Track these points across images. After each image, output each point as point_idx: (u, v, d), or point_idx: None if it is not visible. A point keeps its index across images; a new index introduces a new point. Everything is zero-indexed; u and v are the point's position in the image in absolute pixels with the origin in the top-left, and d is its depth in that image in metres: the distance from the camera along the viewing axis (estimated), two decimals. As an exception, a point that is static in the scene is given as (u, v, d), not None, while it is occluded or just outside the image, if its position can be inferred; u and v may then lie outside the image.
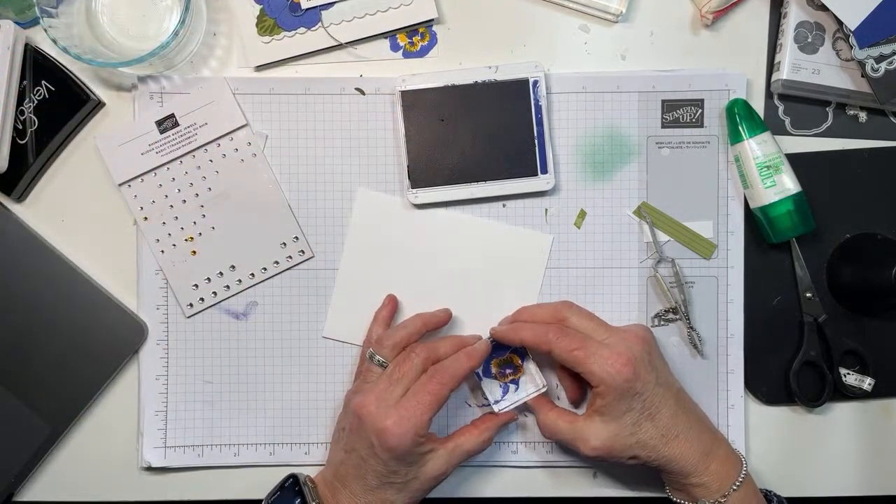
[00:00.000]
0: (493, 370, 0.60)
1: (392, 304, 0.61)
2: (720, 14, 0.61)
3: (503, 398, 0.59)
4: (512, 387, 0.60)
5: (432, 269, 0.62)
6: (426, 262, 0.62)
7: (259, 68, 0.62)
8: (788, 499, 0.58)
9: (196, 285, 0.62)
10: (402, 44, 0.62)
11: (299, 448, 0.62)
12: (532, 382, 0.60)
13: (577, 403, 0.61)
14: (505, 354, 0.60)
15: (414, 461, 0.54)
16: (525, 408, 0.61)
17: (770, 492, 0.58)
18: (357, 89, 0.62)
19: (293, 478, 0.56)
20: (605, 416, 0.55)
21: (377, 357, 0.57)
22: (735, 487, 0.54)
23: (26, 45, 0.60)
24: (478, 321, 0.61)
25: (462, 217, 0.62)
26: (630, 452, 0.55)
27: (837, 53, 0.60)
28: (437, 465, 0.55)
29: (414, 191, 0.61)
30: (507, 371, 0.60)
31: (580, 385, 0.60)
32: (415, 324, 0.58)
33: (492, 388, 0.60)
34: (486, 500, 0.63)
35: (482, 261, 0.62)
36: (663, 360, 0.58)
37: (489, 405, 0.60)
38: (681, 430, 0.55)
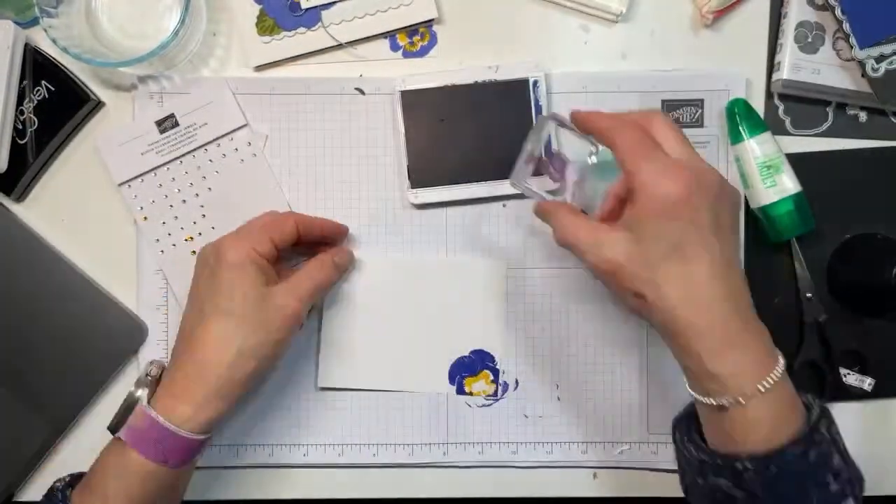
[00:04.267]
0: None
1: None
2: (720, 14, 0.61)
3: (528, 182, 0.54)
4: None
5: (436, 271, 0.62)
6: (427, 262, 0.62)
7: (259, 68, 0.62)
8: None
9: (196, 285, 0.61)
10: (402, 44, 0.62)
11: (297, 449, 0.62)
12: (564, 190, 0.55)
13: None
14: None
15: (252, 282, 0.51)
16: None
17: (812, 399, 0.48)
18: (357, 89, 0.62)
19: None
20: (632, 233, 0.46)
21: None
22: (762, 389, 0.44)
23: (26, 45, 0.60)
24: (486, 320, 0.62)
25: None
26: (638, 286, 0.45)
27: (837, 53, 0.59)
28: (282, 297, 0.52)
29: (414, 191, 0.61)
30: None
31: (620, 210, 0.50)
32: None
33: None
34: (486, 500, 0.63)
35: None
36: (735, 229, 0.48)
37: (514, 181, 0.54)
38: (707, 299, 0.45)
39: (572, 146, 0.55)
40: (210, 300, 0.52)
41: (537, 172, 0.56)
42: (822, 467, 0.45)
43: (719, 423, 0.46)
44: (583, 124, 0.51)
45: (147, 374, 0.52)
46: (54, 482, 0.52)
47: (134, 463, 0.49)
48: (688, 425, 0.50)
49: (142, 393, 0.51)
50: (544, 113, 0.60)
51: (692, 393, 0.47)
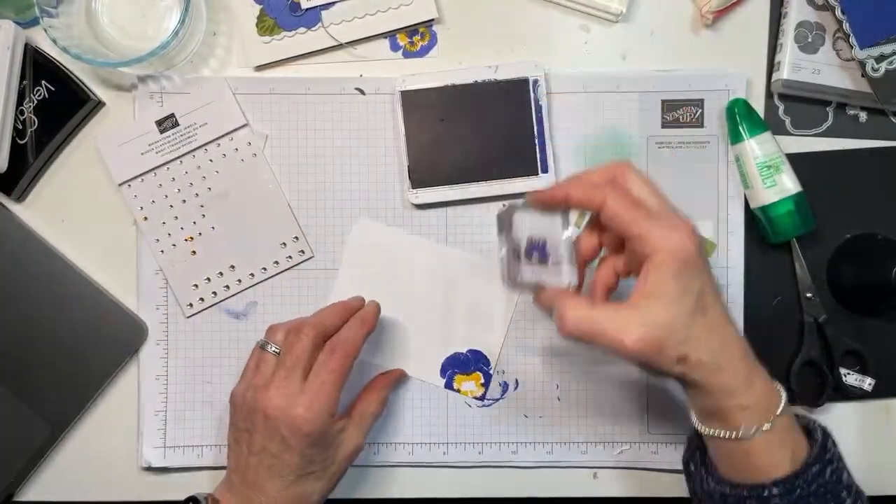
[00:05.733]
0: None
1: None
2: (720, 14, 0.61)
3: (524, 272, 0.49)
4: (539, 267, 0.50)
5: (432, 273, 0.62)
6: (426, 266, 0.62)
7: (259, 68, 0.62)
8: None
9: (196, 285, 0.61)
10: (402, 44, 0.62)
11: (299, 448, 0.62)
12: (558, 273, 0.49)
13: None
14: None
15: (329, 443, 0.52)
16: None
17: (813, 422, 0.50)
18: (357, 89, 0.62)
19: (193, 500, 0.52)
20: (658, 298, 0.43)
21: (270, 346, 0.54)
22: (779, 412, 0.46)
23: (26, 45, 0.60)
24: (483, 325, 0.62)
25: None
26: (680, 350, 0.44)
27: (837, 53, 0.59)
28: (352, 440, 0.54)
29: (414, 191, 0.61)
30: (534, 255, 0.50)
31: (615, 275, 0.50)
32: (325, 312, 0.55)
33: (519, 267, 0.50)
34: (485, 500, 0.63)
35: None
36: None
37: (510, 283, 0.50)
38: (728, 338, 0.46)
39: (537, 226, 0.50)
40: (288, 467, 0.51)
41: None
42: (838, 483, 0.47)
43: (735, 456, 0.47)
44: (551, 202, 0.48)
45: None
46: None
47: None
48: (702, 460, 0.51)
49: None
50: (544, 120, 0.60)
51: (707, 430, 0.48)
